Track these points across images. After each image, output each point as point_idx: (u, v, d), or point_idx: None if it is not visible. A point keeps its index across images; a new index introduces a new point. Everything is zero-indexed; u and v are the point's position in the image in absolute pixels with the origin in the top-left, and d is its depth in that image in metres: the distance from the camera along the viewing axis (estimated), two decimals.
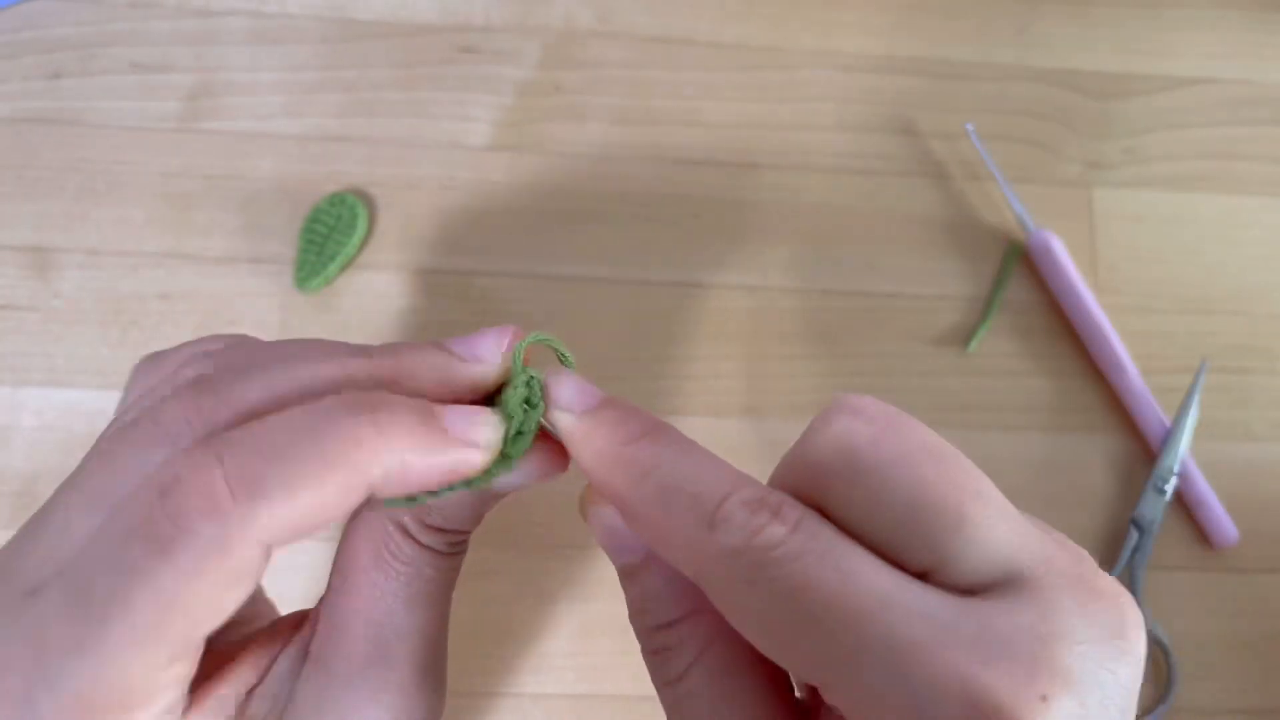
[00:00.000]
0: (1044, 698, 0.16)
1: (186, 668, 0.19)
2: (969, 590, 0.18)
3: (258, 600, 0.26)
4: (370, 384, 0.21)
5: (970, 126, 0.51)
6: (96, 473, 0.19)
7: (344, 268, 0.47)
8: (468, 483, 0.21)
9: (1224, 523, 0.46)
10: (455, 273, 0.48)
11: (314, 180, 0.48)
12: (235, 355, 0.22)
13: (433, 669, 0.23)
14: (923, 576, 0.18)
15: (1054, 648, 0.17)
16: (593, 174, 0.50)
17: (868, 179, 0.51)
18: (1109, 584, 0.19)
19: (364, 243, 0.47)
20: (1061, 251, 0.49)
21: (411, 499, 0.21)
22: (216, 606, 0.18)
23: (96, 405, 0.44)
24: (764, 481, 0.21)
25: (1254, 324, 0.50)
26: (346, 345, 0.22)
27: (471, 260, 0.48)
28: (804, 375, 0.48)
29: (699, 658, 0.21)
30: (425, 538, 0.22)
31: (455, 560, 0.23)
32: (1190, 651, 0.45)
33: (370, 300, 0.47)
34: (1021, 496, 0.20)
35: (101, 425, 0.26)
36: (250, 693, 0.22)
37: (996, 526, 0.18)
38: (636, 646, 0.22)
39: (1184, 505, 0.47)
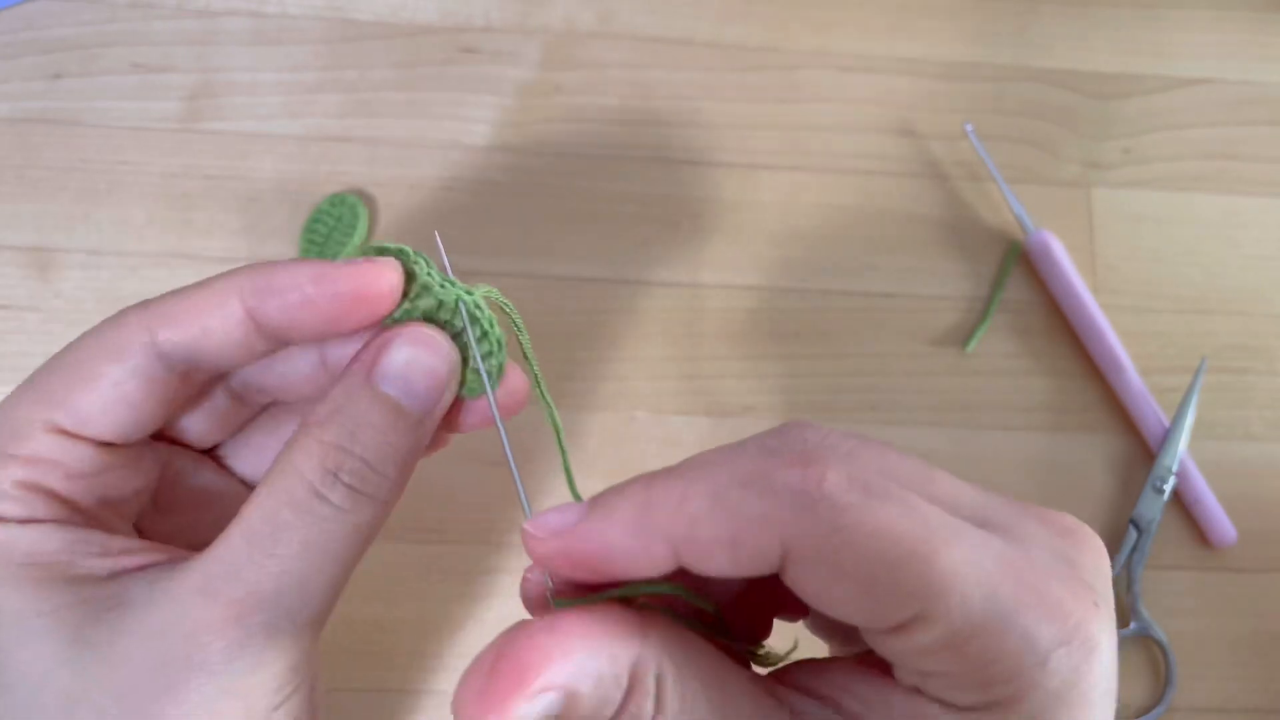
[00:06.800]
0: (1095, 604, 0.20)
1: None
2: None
3: None
4: None
5: (969, 127, 0.51)
6: None
7: None
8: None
9: (1222, 522, 0.46)
10: (455, 273, 0.48)
11: (314, 181, 0.48)
12: None
13: (273, 601, 0.23)
14: None
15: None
16: (593, 174, 0.50)
17: (867, 179, 0.51)
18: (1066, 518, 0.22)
19: (364, 243, 0.48)
20: (1060, 252, 0.49)
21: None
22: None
23: None
24: (716, 483, 0.21)
25: (1253, 324, 0.50)
26: None
27: (471, 260, 0.48)
28: (804, 375, 0.48)
29: None
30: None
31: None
32: (1188, 651, 0.45)
33: None
34: (1021, 496, 0.21)
35: None
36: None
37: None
38: None
39: (1182, 505, 0.47)
